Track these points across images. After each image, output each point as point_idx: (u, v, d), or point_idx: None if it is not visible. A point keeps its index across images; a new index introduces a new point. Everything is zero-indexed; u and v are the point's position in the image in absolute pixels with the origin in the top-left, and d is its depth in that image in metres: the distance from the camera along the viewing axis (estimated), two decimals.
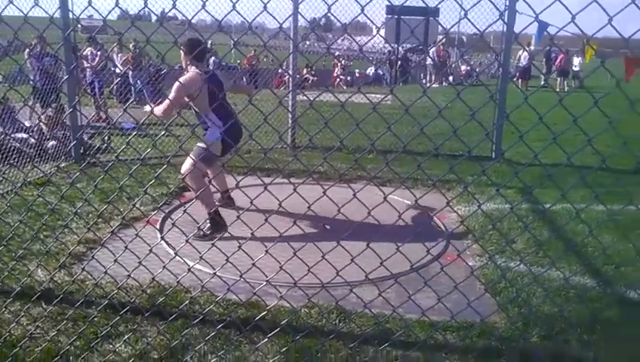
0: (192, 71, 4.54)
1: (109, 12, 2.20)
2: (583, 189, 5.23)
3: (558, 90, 19.66)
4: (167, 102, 4.41)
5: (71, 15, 6.53)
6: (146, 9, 2.09)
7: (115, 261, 2.25)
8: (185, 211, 2.20)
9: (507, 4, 7.12)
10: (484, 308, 3.12)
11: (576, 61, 21.07)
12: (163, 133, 2.86)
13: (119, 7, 2.17)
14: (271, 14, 2.09)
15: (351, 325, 3.21)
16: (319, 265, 2.18)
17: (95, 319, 3.09)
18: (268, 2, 1.94)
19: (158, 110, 4.39)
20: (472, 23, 1.88)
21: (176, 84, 4.41)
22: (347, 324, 3.23)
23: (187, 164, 4.53)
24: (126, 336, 2.94)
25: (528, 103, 1.98)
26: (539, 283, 3.65)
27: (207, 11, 1.91)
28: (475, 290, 3.58)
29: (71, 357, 2.76)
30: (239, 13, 1.90)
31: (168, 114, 4.44)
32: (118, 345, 2.90)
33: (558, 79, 20.90)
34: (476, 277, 2.51)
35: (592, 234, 4.10)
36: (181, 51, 4.52)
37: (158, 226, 4.73)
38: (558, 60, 21.12)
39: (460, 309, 2.48)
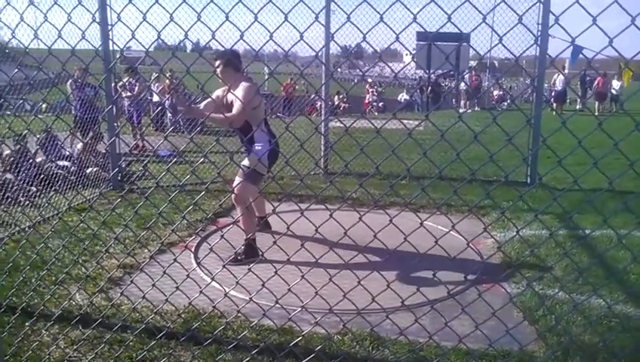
0: (244, 82, 4.45)
1: (152, 44, 2.29)
2: (623, 215, 5.10)
3: (596, 113, 19.28)
4: (239, 106, 4.28)
5: (111, 46, 6.81)
6: (182, 39, 2.16)
7: (153, 286, 2.29)
8: (222, 236, 2.23)
9: (540, 28, 7.08)
10: (522, 336, 3.04)
11: (616, 84, 20.62)
12: (201, 159, 2.91)
13: (160, 39, 2.26)
14: (307, 43, 2.14)
15: (385, 352, 3.17)
16: (355, 291, 2.17)
17: (131, 343, 3.13)
18: (304, 32, 1.98)
19: (233, 116, 4.31)
20: (507, 48, 1.88)
21: (245, 88, 4.34)
22: (381, 351, 3.19)
23: (240, 186, 4.47)
24: (161, 361, 2.97)
25: (566, 127, 1.96)
26: (579, 312, 3.54)
27: (245, 41, 1.96)
28: (513, 318, 3.50)
29: None
30: (275, 42, 1.95)
31: (241, 119, 4.34)
32: None
33: (596, 103, 20.49)
34: (514, 304, 2.45)
35: (635, 260, 3.99)
36: (221, 66, 4.41)
37: (193, 251, 4.79)
38: (597, 83, 20.73)
39: (497, 337, 2.43)
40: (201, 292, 2.23)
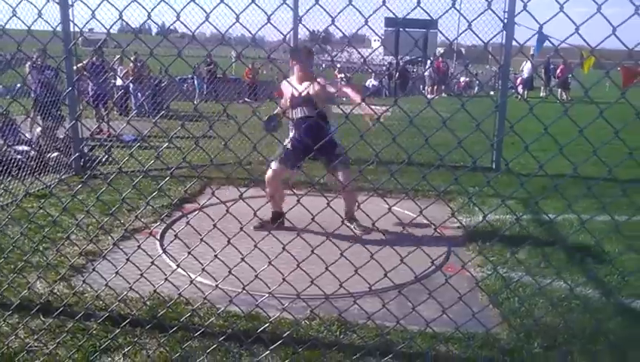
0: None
1: (112, 25, 2.20)
2: (585, 200, 5.22)
3: (558, 101, 19.68)
4: (353, 86, 4.83)
5: (72, 27, 6.58)
6: (147, 22, 2.09)
7: (117, 273, 2.23)
8: (187, 223, 2.18)
9: (506, 16, 7.15)
10: (486, 319, 3.09)
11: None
12: (166, 144, 2.85)
13: (122, 20, 2.18)
14: (275, 26, 2.10)
15: (352, 337, 3.18)
16: (322, 277, 2.16)
17: (94, 332, 3.07)
18: (271, 15, 1.94)
19: (354, 93, 4.66)
20: (476, 34, 1.87)
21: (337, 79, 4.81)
22: (349, 336, 3.20)
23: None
24: (125, 349, 2.91)
25: (534, 114, 1.98)
26: (542, 294, 3.62)
27: (210, 23, 1.91)
28: (478, 301, 3.55)
29: None
30: (243, 26, 1.90)
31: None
32: (117, 358, 2.88)
33: (560, 90, 20.92)
34: (480, 288, 2.48)
35: (596, 244, 4.11)
36: (294, 59, 4.95)
37: (158, 237, 4.71)
38: (559, 71, 21.16)
39: (463, 320, 2.46)
40: (166, 279, 2.18)
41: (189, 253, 2.15)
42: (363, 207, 2.00)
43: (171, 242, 4.45)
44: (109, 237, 4.55)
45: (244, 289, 2.10)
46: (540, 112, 2.01)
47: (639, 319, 3.52)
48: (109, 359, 2.87)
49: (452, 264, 4.26)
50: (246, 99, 15.63)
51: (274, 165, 4.99)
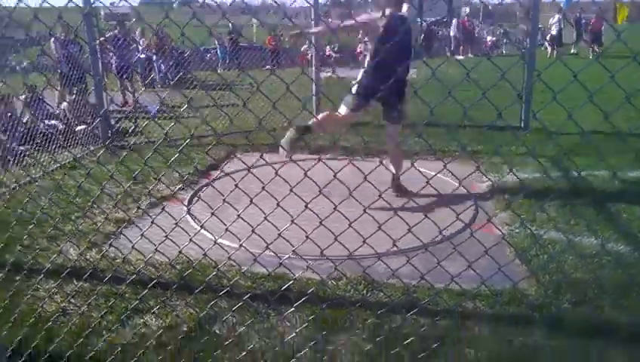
0: None
1: None
2: (618, 156, 5.07)
3: (591, 57, 19.00)
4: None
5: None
6: None
7: (142, 235, 2.26)
8: (209, 184, 2.18)
9: None
10: (514, 276, 3.06)
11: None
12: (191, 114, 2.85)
13: None
14: None
15: (379, 295, 3.20)
16: (348, 236, 2.15)
17: (126, 294, 3.15)
18: None
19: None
20: None
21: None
22: (375, 294, 3.22)
23: None
24: (155, 310, 2.99)
25: (562, 62, 1.90)
26: (572, 250, 3.56)
27: None
28: (505, 258, 3.51)
29: (103, 332, 2.82)
30: None
31: None
32: (148, 319, 2.95)
33: (591, 45, 20.14)
34: (508, 242, 2.44)
35: (627, 199, 4.00)
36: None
37: (190, 205, 4.77)
38: (592, 22, 20.28)
39: (489, 276, 2.43)
40: (190, 240, 2.20)
41: (213, 213, 2.16)
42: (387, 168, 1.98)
43: (194, 204, 4.53)
44: (137, 205, 4.64)
45: (267, 247, 2.11)
46: (572, 67, 1.92)
47: None
48: (141, 320, 2.95)
49: (479, 223, 4.22)
50: (268, 66, 15.53)
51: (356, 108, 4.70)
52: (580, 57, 17.95)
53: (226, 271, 3.40)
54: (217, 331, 2.87)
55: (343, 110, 4.69)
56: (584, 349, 2.70)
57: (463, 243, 2.46)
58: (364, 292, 3.24)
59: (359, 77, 4.66)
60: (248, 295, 2.71)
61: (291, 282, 2.74)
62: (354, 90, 4.68)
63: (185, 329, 2.88)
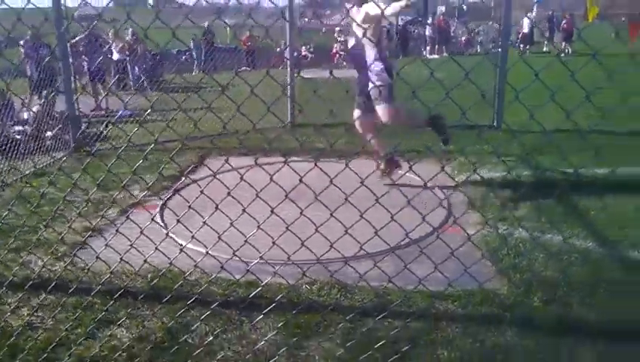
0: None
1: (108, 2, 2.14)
2: (582, 153, 5.13)
3: (562, 54, 19.30)
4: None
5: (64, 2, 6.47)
6: None
7: (107, 245, 2.22)
8: (176, 191, 2.15)
9: None
10: (485, 276, 3.08)
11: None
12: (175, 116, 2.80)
13: None
14: None
15: (354, 298, 3.19)
16: (316, 241, 2.13)
17: (95, 306, 3.09)
18: None
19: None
20: None
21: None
22: (349, 299, 3.21)
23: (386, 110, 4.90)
24: (125, 321, 2.93)
25: (525, 62, 1.92)
26: (540, 248, 3.60)
27: None
28: (476, 260, 3.52)
29: (72, 345, 2.75)
30: None
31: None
32: (116, 330, 2.90)
33: (563, 43, 20.48)
34: (474, 243, 2.46)
35: (594, 196, 4.06)
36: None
37: (157, 211, 4.70)
38: (564, 22, 20.62)
39: (460, 278, 2.44)
40: (156, 248, 2.16)
41: (178, 220, 2.13)
42: (358, 170, 1.96)
43: (160, 211, 4.46)
44: (102, 214, 4.55)
45: (234, 254, 2.09)
46: (541, 66, 1.94)
47: (634, 271, 3.49)
48: (110, 331, 2.89)
49: (448, 223, 4.23)
50: (245, 67, 15.46)
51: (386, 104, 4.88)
52: (552, 55, 18.21)
53: (199, 279, 3.36)
54: (189, 340, 2.84)
55: (383, 109, 4.86)
56: (554, 347, 2.72)
57: (433, 246, 2.47)
58: (338, 296, 3.23)
59: (375, 70, 4.81)
60: (217, 303, 2.68)
61: (259, 289, 2.71)
62: (377, 82, 4.83)
63: (156, 339, 2.83)
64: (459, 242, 2.46)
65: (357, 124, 5.11)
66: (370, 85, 4.85)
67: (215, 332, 2.83)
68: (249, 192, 1.99)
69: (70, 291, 2.71)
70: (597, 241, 3.81)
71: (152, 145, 3.40)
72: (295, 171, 2.01)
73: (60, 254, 3.79)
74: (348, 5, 4.96)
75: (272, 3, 1.88)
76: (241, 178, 2.02)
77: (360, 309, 2.82)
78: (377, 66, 4.83)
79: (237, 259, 2.21)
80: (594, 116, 1.92)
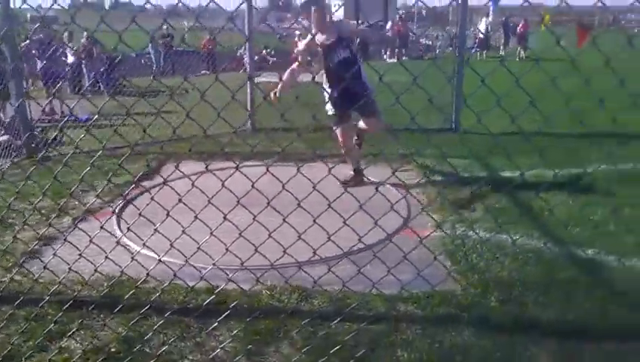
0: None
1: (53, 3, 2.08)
2: (533, 156, 5.27)
3: (517, 59, 19.83)
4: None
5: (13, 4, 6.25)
6: None
7: (54, 255, 2.15)
8: (127, 200, 2.10)
9: None
10: (441, 278, 3.13)
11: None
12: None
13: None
14: (216, 3, 2.00)
15: (313, 303, 3.19)
16: (271, 246, 2.12)
17: (48, 317, 2.99)
18: None
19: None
20: None
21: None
22: (309, 303, 3.20)
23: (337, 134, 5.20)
24: (78, 331, 2.85)
25: (471, 68, 1.95)
26: (496, 249, 3.68)
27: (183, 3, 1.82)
28: (435, 263, 3.56)
29: (22, 358, 2.66)
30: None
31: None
32: (69, 342, 2.81)
33: (518, 47, 21.04)
34: (426, 247, 2.48)
35: (540, 198, 4.18)
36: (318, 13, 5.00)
37: (107, 219, 4.56)
38: (520, 26, 21.20)
39: (416, 281, 2.47)
40: (106, 257, 2.11)
41: (128, 228, 2.08)
42: (314, 174, 1.95)
43: (110, 221, 4.35)
44: (57, 221, 4.41)
45: (187, 261, 2.05)
46: (498, 72, 1.96)
47: (587, 270, 3.60)
48: (62, 344, 2.80)
49: (406, 227, 4.25)
50: (203, 71, 15.30)
51: (337, 126, 5.15)
52: (507, 60, 18.67)
53: (156, 287, 3.29)
54: (146, 350, 2.77)
55: (378, 118, 5.18)
56: (511, 346, 2.78)
57: (389, 249, 2.48)
58: (298, 301, 3.22)
59: (366, 79, 5.08)
60: (172, 311, 2.63)
61: (213, 296, 2.67)
62: (328, 110, 5.19)
63: (110, 349, 2.76)
64: (412, 245, 2.49)
65: (339, 133, 5.18)
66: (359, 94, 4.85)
67: (172, 341, 2.77)
68: (202, 199, 1.97)
69: (17, 302, 2.61)
70: (548, 240, 3.91)
71: (100, 151, 3.32)
72: (247, 177, 1.99)
73: (10, 265, 3.65)
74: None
75: (220, 7, 1.85)
76: (193, 184, 1.99)
77: (319, 313, 2.81)
78: (365, 77, 5.06)
79: (192, 266, 2.17)
80: (539, 120, 1.98)
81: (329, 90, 5.12)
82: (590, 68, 2.32)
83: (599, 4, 1.84)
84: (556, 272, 3.44)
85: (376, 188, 1.90)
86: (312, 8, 5.02)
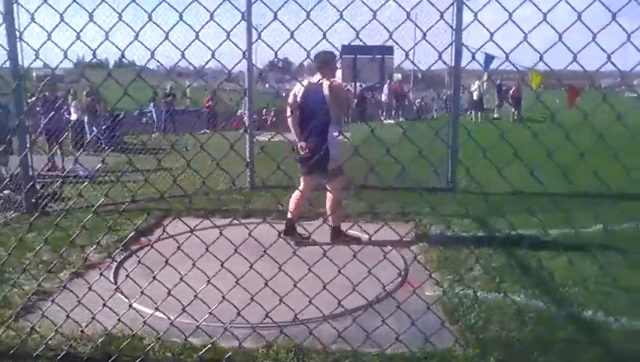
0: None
1: (59, 63, 2.19)
2: (541, 215, 5.31)
3: (512, 120, 20.23)
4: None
5: (21, 61, 6.43)
6: (106, 55, 2.09)
7: (43, 315, 2.15)
8: (112, 259, 2.13)
9: (454, 39, 7.29)
10: (442, 337, 3.10)
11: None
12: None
13: (68, 59, 2.17)
14: (219, 61, 2.11)
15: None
16: (275, 304, 2.13)
17: None
18: (216, 49, 1.97)
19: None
20: (431, 44, 1.93)
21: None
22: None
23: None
24: None
25: (465, 128, 2.04)
26: (496, 309, 3.67)
27: (186, 60, 1.94)
28: (434, 320, 3.55)
29: None
30: (189, 62, 1.92)
31: None
32: None
33: (512, 109, 21.52)
34: (431, 310, 2.49)
35: (540, 258, 4.20)
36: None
37: (104, 269, 4.53)
38: (512, 90, 21.76)
39: (421, 340, 2.46)
40: (93, 318, 2.11)
41: (117, 289, 2.10)
42: (318, 232, 2.00)
43: (98, 279, 4.30)
44: (57, 275, 4.39)
45: (198, 327, 2.06)
46: (493, 133, 2.05)
47: (585, 329, 3.58)
48: None
49: (408, 283, 4.25)
50: (205, 130, 15.55)
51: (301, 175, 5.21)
52: (502, 121, 19.08)
53: (153, 344, 3.24)
54: None
55: (343, 176, 5.15)
56: None
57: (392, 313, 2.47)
58: (295, 360, 3.17)
59: (335, 136, 5.11)
60: None
61: (206, 349, 2.64)
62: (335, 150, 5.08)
63: None
64: (417, 301, 2.50)
65: (302, 182, 5.21)
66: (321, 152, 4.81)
67: None
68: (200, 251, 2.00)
69: (12, 352, 2.57)
70: (548, 300, 3.90)
71: (102, 199, 3.36)
72: (252, 236, 2.03)
73: (5, 318, 3.61)
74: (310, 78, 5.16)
75: (224, 67, 1.96)
76: (178, 247, 2.03)
77: None
78: (333, 138, 5.04)
79: (198, 324, 2.17)
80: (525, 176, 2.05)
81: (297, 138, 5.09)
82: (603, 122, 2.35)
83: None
84: (556, 333, 3.42)
85: (385, 256, 1.94)
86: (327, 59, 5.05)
